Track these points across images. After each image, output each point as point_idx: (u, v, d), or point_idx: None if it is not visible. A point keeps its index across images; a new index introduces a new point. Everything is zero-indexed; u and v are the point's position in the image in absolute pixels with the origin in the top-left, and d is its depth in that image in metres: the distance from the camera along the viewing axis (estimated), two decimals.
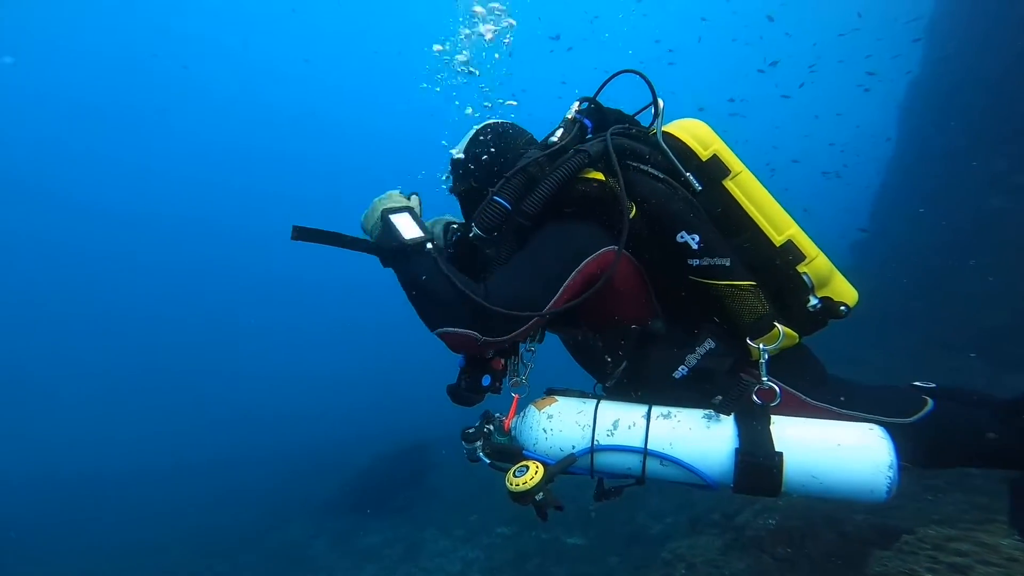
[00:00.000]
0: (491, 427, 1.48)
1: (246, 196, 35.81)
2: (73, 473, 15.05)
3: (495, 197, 1.40)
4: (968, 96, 7.84)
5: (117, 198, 32.46)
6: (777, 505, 3.92)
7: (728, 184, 1.45)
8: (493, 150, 1.63)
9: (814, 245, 1.44)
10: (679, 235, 1.37)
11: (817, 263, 1.42)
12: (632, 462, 1.34)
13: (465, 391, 1.60)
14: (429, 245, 1.35)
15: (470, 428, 1.47)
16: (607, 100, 1.64)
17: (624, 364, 1.49)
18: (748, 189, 1.45)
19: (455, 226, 1.65)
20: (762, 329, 1.38)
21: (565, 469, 1.34)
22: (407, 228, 1.36)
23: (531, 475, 1.27)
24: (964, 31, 8.65)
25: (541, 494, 1.25)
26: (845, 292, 1.46)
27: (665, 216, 1.38)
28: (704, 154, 1.46)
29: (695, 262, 1.38)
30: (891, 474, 1.19)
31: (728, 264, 1.37)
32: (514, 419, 1.50)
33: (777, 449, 1.24)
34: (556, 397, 1.51)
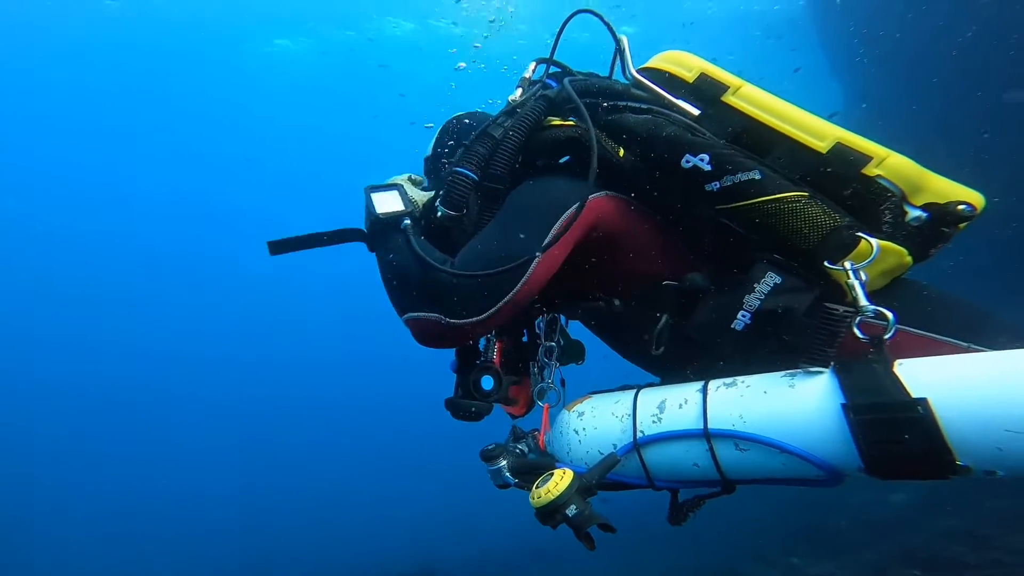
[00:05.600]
0: (523, 447, 1.24)
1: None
2: None
3: (456, 168, 1.22)
4: None
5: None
6: None
7: (730, 100, 1.22)
8: (458, 135, 1.49)
9: (879, 145, 1.09)
10: (684, 160, 1.12)
11: (893, 162, 1.07)
12: (696, 453, 1.00)
13: (462, 399, 1.30)
14: (407, 221, 1.17)
15: (490, 445, 1.21)
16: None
17: (665, 320, 1.21)
18: (757, 100, 1.20)
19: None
20: (842, 245, 1.02)
21: (606, 475, 1.06)
22: (384, 203, 1.21)
23: (556, 481, 1.00)
24: None
25: (574, 506, 0.98)
26: (957, 192, 1.07)
27: (659, 145, 1.15)
28: (688, 76, 1.28)
29: (714, 186, 1.10)
30: None
31: (758, 177, 1.07)
32: (548, 432, 1.25)
33: (915, 395, 0.83)
34: (592, 395, 1.23)
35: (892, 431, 0.83)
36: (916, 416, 0.81)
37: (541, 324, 1.46)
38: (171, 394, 28.78)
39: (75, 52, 19.00)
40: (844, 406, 0.87)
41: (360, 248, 1.31)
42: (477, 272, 1.08)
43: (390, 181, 1.30)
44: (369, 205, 1.21)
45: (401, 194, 1.23)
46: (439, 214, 1.25)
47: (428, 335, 1.11)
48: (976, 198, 1.06)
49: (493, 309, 1.09)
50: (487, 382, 1.30)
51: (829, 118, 1.16)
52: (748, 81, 1.25)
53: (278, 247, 1.26)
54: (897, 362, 0.89)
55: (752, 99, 1.20)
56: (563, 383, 1.45)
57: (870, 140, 1.10)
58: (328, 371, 31.64)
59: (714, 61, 1.29)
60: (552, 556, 9.84)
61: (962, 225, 1.06)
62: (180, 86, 20.81)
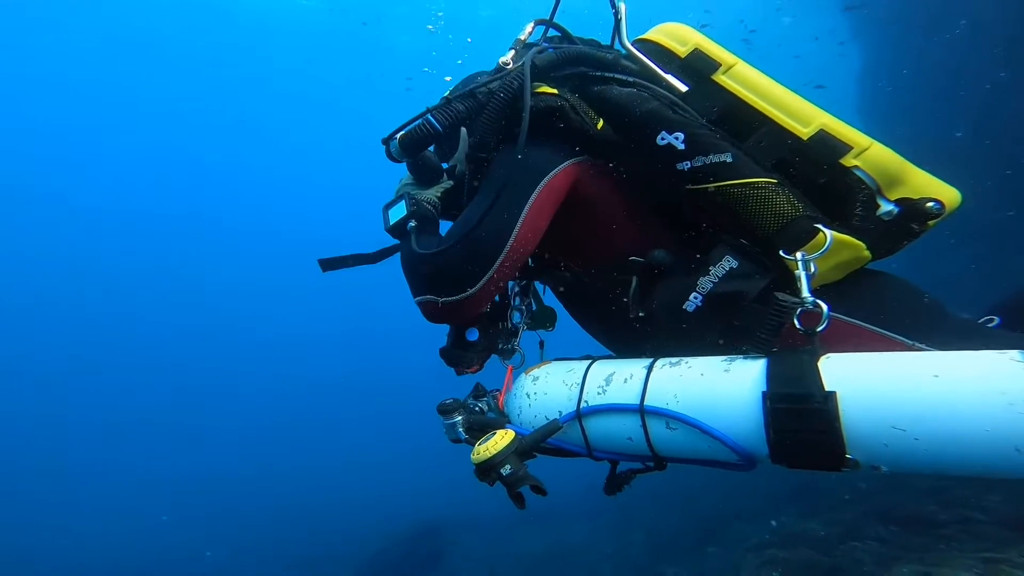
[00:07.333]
0: (483, 405, 1.28)
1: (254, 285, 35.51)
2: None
3: (428, 116, 1.24)
4: None
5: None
6: None
7: (720, 78, 1.20)
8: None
9: (863, 135, 1.07)
10: (659, 137, 1.12)
11: (873, 153, 1.05)
12: (631, 427, 1.04)
13: (451, 348, 1.40)
14: (412, 223, 1.26)
15: (448, 400, 1.25)
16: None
17: (636, 283, 1.23)
18: (747, 80, 1.18)
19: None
20: (799, 235, 1.03)
21: (546, 439, 1.12)
22: (395, 215, 1.31)
23: (496, 440, 1.05)
24: None
25: (509, 466, 1.02)
26: (934, 188, 1.06)
27: (637, 120, 1.15)
28: (682, 50, 1.26)
29: (685, 165, 1.11)
30: None
31: (730, 160, 1.08)
32: (508, 393, 1.29)
33: (828, 388, 0.86)
34: (552, 361, 1.27)
35: (798, 420, 0.87)
36: (820, 407, 0.85)
37: (514, 287, 1.51)
38: (174, 374, 29.31)
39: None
40: (764, 394, 0.91)
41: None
42: (456, 252, 1.14)
43: (397, 191, 1.39)
44: (384, 222, 1.32)
45: (407, 201, 1.31)
46: (392, 148, 1.31)
47: (431, 316, 1.21)
48: (950, 195, 1.05)
49: (480, 283, 1.14)
50: (471, 333, 1.39)
51: (815, 89, 1.17)
52: (746, 58, 1.23)
53: (329, 264, 1.40)
54: (825, 356, 0.92)
55: (742, 79, 1.19)
56: (541, 345, 1.52)
57: (856, 129, 1.08)
58: (329, 342, 32.01)
59: (702, 29, 1.28)
60: (549, 516, 10.17)
61: (931, 223, 1.05)
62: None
